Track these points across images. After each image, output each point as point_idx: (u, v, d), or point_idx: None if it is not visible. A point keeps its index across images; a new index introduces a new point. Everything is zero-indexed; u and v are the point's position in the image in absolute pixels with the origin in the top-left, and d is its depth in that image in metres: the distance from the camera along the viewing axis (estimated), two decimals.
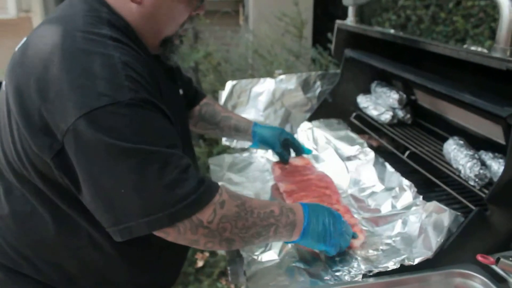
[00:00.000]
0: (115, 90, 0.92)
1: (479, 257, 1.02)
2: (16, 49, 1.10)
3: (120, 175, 0.91)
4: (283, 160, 1.69)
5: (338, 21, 2.03)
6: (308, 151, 1.74)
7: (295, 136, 1.85)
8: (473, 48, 1.42)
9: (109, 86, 0.92)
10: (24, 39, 1.10)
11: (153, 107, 0.97)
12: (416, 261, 1.10)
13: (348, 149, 1.68)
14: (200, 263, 2.97)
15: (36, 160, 1.02)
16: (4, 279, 1.15)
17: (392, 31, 1.82)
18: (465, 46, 1.35)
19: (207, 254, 3.04)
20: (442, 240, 1.13)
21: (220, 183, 1.62)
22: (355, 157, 1.64)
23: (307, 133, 1.89)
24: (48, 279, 1.14)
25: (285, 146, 1.69)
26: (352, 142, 1.71)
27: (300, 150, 1.72)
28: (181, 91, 1.41)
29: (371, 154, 1.60)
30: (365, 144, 1.67)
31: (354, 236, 1.23)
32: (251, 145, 1.71)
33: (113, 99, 0.91)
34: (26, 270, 1.14)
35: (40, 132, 0.97)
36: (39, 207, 1.09)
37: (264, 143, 1.66)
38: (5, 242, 1.14)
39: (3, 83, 1.10)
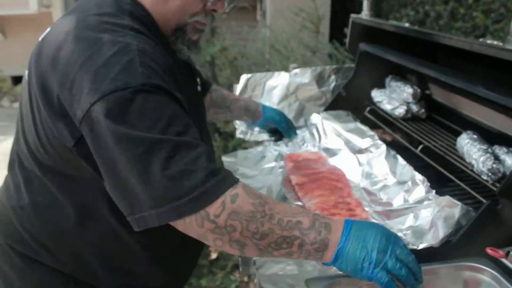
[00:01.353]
0: (128, 75, 0.92)
1: (489, 250, 1.01)
2: (40, 38, 1.13)
3: (129, 164, 0.90)
4: (290, 135, 1.84)
5: (352, 15, 2.02)
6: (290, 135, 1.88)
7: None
8: (488, 41, 1.41)
9: (123, 72, 0.92)
10: (48, 28, 1.13)
11: (165, 93, 0.96)
12: (420, 246, 1.11)
13: (359, 142, 1.68)
14: (213, 255, 2.99)
15: (59, 147, 1.03)
16: (24, 267, 1.18)
17: (406, 24, 1.81)
18: (480, 40, 1.33)
19: None
20: (450, 231, 1.12)
21: None
22: (366, 150, 1.64)
23: (317, 125, 1.89)
24: (67, 269, 1.16)
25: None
26: (362, 135, 1.70)
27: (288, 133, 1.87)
28: (199, 88, 1.42)
29: (383, 147, 1.59)
30: (376, 137, 1.67)
31: (418, 280, 0.98)
32: (257, 124, 1.83)
33: (125, 84, 0.91)
34: (45, 259, 1.16)
35: (61, 120, 0.99)
36: (59, 197, 1.11)
37: (272, 120, 1.79)
38: (25, 231, 1.16)
39: (26, 72, 1.13)
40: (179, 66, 1.19)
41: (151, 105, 0.93)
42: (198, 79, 1.42)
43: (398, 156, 1.53)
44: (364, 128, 1.77)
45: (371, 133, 1.71)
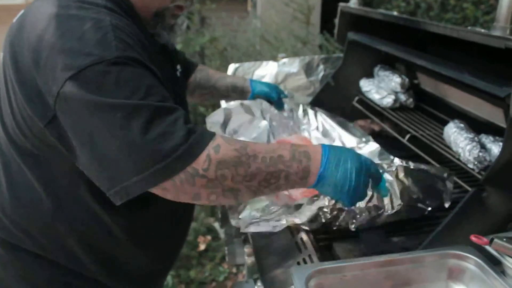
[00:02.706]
0: (102, 49, 0.92)
1: (473, 238, 1.00)
2: (14, 20, 1.11)
3: (108, 132, 0.90)
4: (280, 107, 1.75)
5: (341, 4, 2.01)
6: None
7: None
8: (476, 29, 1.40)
9: (97, 46, 0.92)
10: (22, 11, 1.11)
11: (141, 65, 0.96)
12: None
13: (352, 140, 1.66)
14: (202, 247, 2.99)
15: (34, 128, 1.02)
16: (5, 256, 1.16)
17: (395, 13, 1.80)
18: (469, 28, 1.33)
19: (209, 237, 3.06)
20: None
21: None
22: (358, 148, 1.62)
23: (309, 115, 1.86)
24: (50, 255, 1.14)
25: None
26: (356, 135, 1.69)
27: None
28: (178, 73, 1.40)
29: (375, 146, 1.58)
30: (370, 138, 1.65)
31: (381, 191, 1.12)
32: (247, 100, 1.75)
33: (100, 57, 0.91)
34: (27, 245, 1.14)
35: (35, 99, 0.98)
36: (37, 181, 1.10)
37: (261, 93, 1.71)
38: (6, 217, 1.14)
39: (0, 55, 1.11)
40: (154, 47, 1.17)
41: (127, 76, 0.93)
42: (178, 66, 1.40)
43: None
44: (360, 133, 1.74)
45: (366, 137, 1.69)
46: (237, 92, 1.72)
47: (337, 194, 1.02)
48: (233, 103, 1.73)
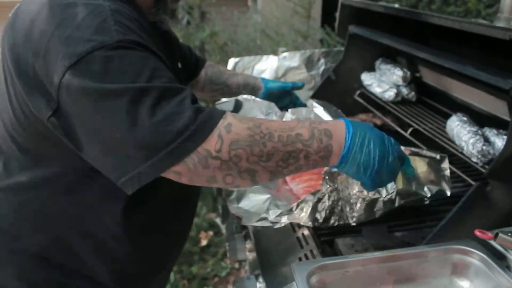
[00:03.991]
0: (102, 34, 0.89)
1: (477, 232, 0.99)
2: (10, 14, 1.09)
3: (114, 118, 0.87)
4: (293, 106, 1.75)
5: None
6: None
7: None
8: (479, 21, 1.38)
9: (97, 32, 0.89)
10: (18, 4, 1.09)
11: (144, 49, 0.93)
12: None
13: None
14: (204, 242, 2.98)
15: (36, 124, 1.00)
16: (4, 256, 1.14)
17: (396, 5, 1.78)
18: (472, 20, 1.31)
19: (211, 233, 3.05)
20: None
21: None
22: None
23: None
24: (49, 253, 1.13)
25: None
26: None
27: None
28: (179, 65, 1.38)
29: None
30: None
31: (408, 173, 1.12)
32: (259, 96, 1.73)
33: (100, 43, 0.88)
34: (25, 244, 1.12)
35: (38, 91, 0.95)
36: (39, 178, 1.08)
37: (275, 88, 1.72)
38: (3, 218, 1.13)
39: None
40: (156, 35, 1.15)
41: (131, 60, 0.89)
42: (179, 63, 1.39)
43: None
44: None
45: None
46: (248, 89, 1.71)
47: (360, 176, 0.98)
48: (246, 97, 1.72)
